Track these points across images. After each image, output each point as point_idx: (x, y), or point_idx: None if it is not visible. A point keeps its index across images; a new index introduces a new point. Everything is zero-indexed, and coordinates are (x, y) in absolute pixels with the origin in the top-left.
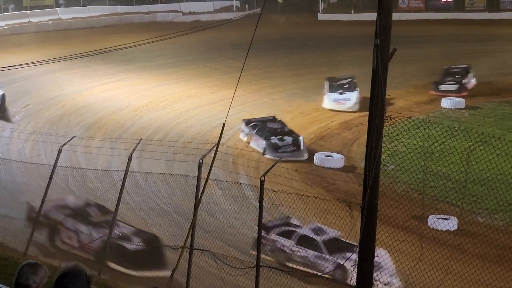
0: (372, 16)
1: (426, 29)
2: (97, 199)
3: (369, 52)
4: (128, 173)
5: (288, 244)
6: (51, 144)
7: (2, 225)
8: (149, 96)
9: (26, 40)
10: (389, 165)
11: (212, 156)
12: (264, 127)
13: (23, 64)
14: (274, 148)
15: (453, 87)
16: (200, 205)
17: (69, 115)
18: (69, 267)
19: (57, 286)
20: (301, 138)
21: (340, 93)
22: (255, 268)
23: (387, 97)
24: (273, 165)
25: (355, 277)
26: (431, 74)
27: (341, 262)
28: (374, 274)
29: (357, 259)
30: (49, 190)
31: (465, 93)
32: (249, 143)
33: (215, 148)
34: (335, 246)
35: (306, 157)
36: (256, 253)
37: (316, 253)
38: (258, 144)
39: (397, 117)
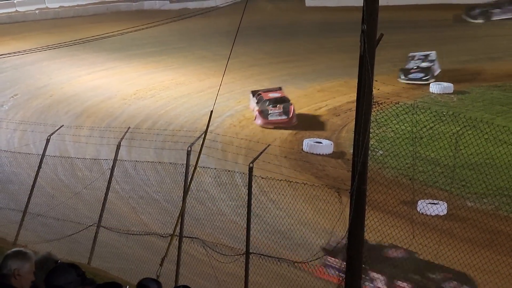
0: (360, 2)
1: (414, 14)
2: (86, 188)
3: (357, 38)
4: (117, 161)
5: None
6: (39, 133)
7: None
8: (138, 84)
9: (13, 30)
10: (377, 150)
11: (201, 143)
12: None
13: (10, 53)
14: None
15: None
16: (189, 192)
17: (57, 104)
18: (45, 256)
19: (47, 284)
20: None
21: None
22: (245, 255)
23: (374, 82)
24: (261, 152)
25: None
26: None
27: None
28: None
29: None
30: (37, 180)
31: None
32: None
33: (203, 136)
34: None
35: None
36: None
37: None
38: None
39: (385, 102)
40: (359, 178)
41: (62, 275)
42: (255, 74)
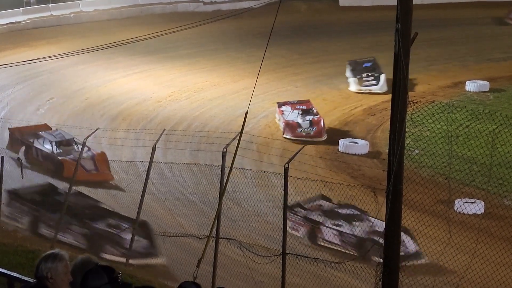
0: (394, 1)
1: (448, 13)
2: (123, 190)
3: (391, 37)
4: (153, 163)
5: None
6: (75, 136)
7: None
8: (172, 86)
9: (48, 34)
10: (413, 149)
11: (236, 145)
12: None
13: (45, 57)
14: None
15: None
16: (225, 194)
17: (93, 107)
18: (84, 259)
19: (83, 285)
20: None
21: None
22: (281, 256)
23: (410, 81)
24: (296, 153)
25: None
26: (454, 58)
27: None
28: None
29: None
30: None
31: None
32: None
33: (238, 137)
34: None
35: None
36: None
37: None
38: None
39: (420, 101)
40: (395, 178)
41: (94, 278)
42: (290, 75)
